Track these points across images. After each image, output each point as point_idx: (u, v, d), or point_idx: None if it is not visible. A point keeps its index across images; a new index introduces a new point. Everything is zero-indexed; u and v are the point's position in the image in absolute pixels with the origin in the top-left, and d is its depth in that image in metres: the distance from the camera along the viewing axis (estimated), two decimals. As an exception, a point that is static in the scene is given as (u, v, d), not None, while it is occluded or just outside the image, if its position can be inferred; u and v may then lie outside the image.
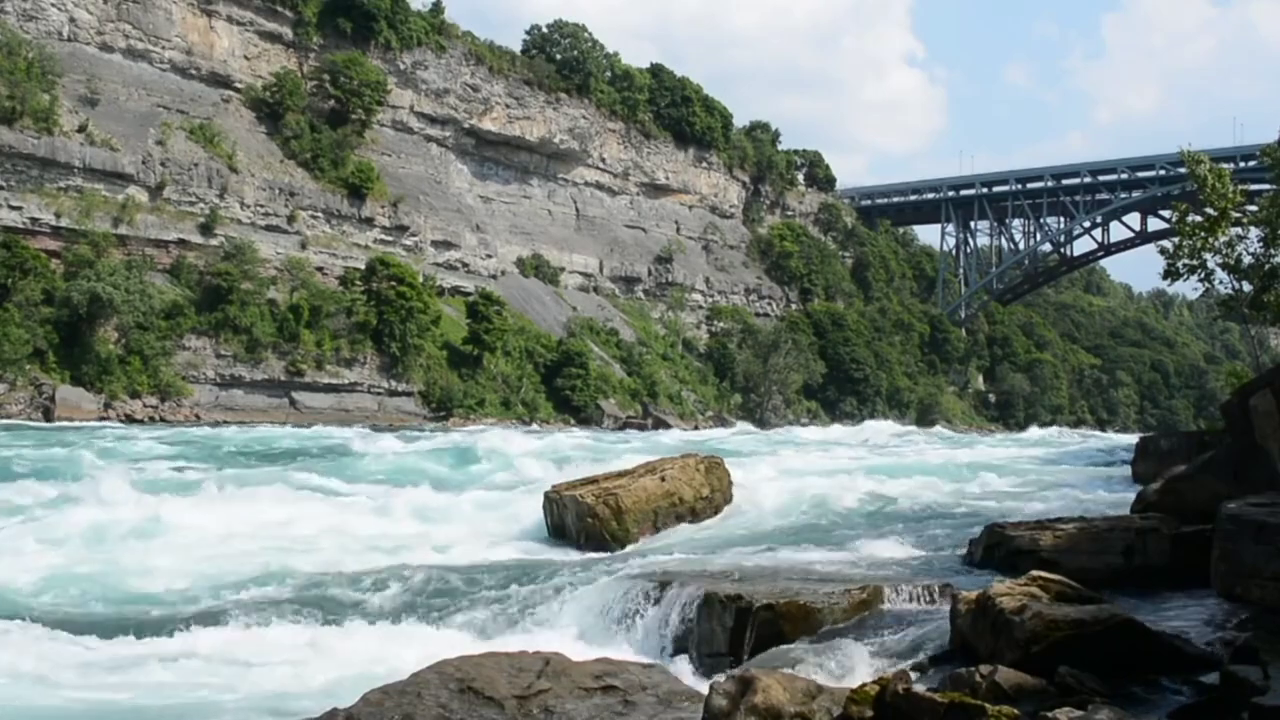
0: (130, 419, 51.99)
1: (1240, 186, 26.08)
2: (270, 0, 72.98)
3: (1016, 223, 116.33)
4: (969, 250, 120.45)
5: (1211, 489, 11.83)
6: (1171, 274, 25.59)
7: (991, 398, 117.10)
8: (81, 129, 58.96)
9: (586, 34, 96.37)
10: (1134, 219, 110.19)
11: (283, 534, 16.27)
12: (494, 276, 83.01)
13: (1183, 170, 53.61)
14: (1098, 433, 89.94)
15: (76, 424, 45.80)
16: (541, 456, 28.58)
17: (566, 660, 9.11)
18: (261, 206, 67.04)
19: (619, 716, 8.11)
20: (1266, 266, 24.24)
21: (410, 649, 9.90)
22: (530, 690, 8.34)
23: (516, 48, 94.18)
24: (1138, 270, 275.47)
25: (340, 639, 10.55)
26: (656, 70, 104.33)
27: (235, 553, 14.60)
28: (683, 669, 9.20)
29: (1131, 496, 15.44)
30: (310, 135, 72.14)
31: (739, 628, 9.56)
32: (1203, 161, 25.37)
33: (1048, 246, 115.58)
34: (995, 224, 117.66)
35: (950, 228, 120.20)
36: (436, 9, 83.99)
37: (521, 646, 9.66)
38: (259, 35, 73.29)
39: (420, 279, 71.36)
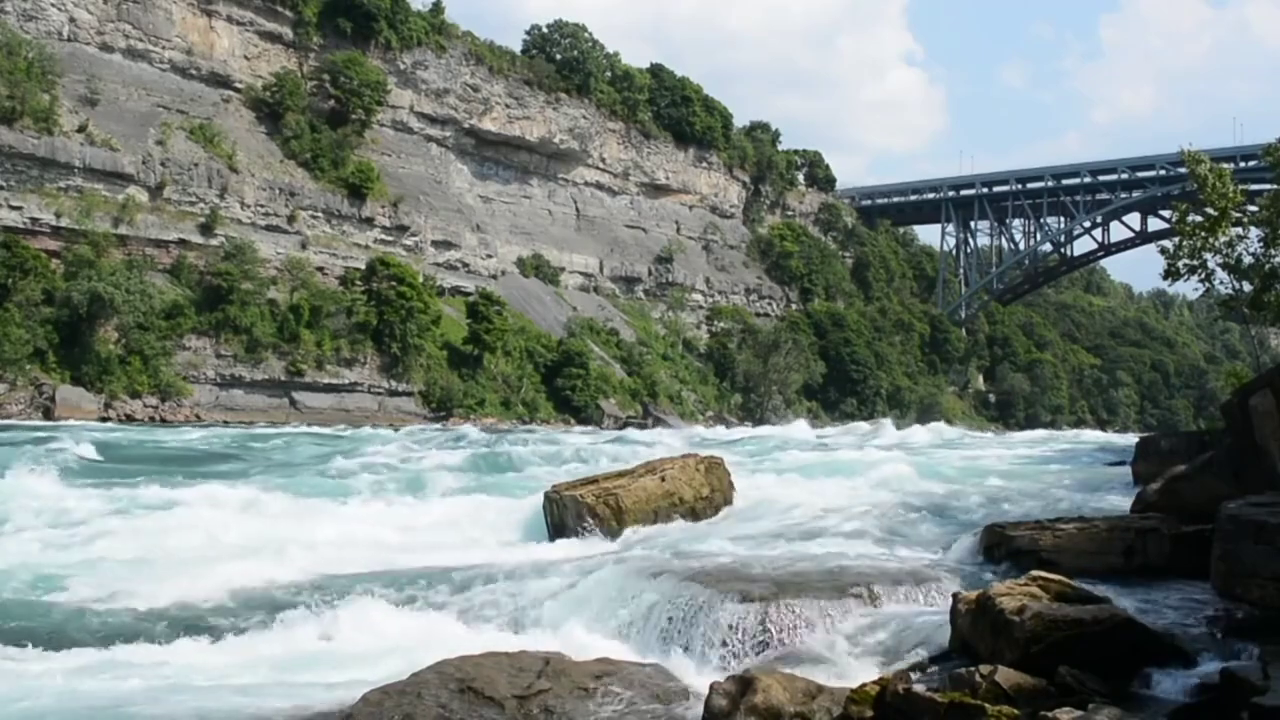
0: (130, 419, 52.00)
1: (1240, 186, 26.04)
2: (270, 0, 73.00)
3: (1016, 223, 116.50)
4: (969, 250, 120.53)
5: (1211, 489, 11.83)
6: (1172, 274, 25.52)
7: (991, 398, 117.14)
8: (81, 129, 58.97)
9: (586, 34, 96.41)
10: (1134, 219, 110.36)
11: (282, 533, 16.27)
12: (494, 276, 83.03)
13: (1183, 170, 53.63)
14: (1098, 432, 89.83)
15: (76, 424, 45.72)
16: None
17: (566, 660, 9.11)
18: (261, 206, 67.05)
19: (619, 716, 8.11)
20: (1267, 266, 24.18)
21: (409, 649, 9.90)
22: (530, 690, 8.34)
23: (515, 48, 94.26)
24: (1138, 270, 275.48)
25: (339, 638, 10.54)
26: (656, 70, 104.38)
27: (231, 554, 14.60)
28: (683, 668, 9.19)
29: (1131, 497, 15.44)
30: (310, 135, 72.16)
31: (739, 627, 9.57)
32: (1203, 161, 25.32)
33: (1048, 246, 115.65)
34: (995, 224, 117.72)
35: (950, 228, 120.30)
36: (436, 9, 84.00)
37: (521, 646, 9.66)
38: (259, 35, 73.30)
39: (420, 279, 71.39)
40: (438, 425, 62.42)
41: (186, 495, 19.15)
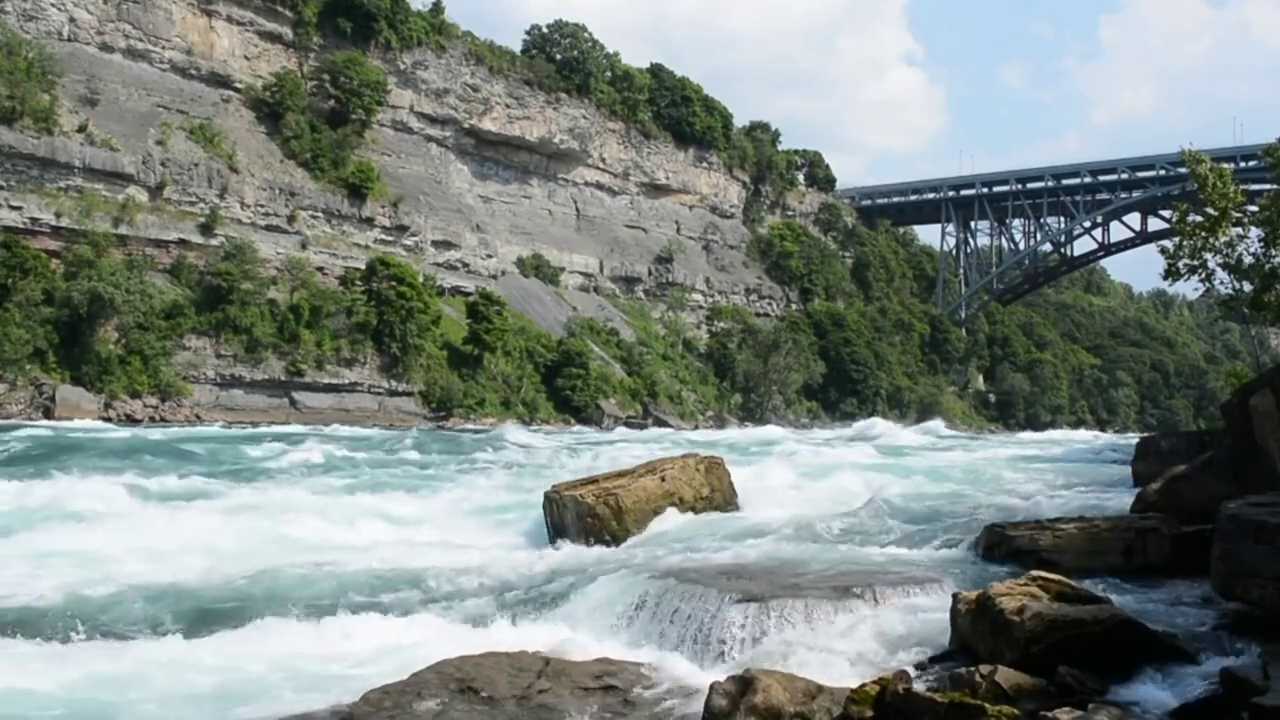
0: (130, 419, 51.99)
1: (1240, 186, 26.03)
2: (270, 0, 72.99)
3: (1016, 223, 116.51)
4: (969, 250, 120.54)
5: (1211, 489, 11.82)
6: (1172, 274, 25.51)
7: (992, 398, 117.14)
8: (81, 129, 58.97)
9: (586, 34, 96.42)
10: (1134, 219, 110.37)
11: (283, 533, 16.27)
12: (494, 276, 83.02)
13: (1183, 170, 53.62)
14: (1098, 433, 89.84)
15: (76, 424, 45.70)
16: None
17: (566, 660, 9.13)
18: (261, 206, 67.05)
19: (619, 716, 8.12)
20: (1267, 266, 24.18)
21: (410, 649, 9.90)
22: (530, 690, 8.35)
23: (515, 48, 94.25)
24: (1138, 270, 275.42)
25: (339, 639, 10.54)
26: (656, 70, 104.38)
27: (241, 552, 14.61)
28: (682, 668, 9.19)
29: (1131, 497, 15.43)
30: (310, 135, 72.15)
31: (739, 627, 9.56)
32: (1203, 161, 25.31)
33: (1048, 246, 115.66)
34: (995, 224, 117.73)
35: (950, 228, 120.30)
36: (436, 9, 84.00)
37: (521, 646, 9.67)
38: (259, 35, 73.29)
39: (420, 279, 71.38)
40: (432, 424, 62.50)
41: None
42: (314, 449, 30.63)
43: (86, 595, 12.01)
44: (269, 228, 67.02)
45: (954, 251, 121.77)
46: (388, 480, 23.94)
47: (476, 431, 54.40)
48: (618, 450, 33.09)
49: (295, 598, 12.20)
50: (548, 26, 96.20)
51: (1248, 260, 24.61)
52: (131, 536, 15.57)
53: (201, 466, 26.23)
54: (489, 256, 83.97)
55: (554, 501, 16.39)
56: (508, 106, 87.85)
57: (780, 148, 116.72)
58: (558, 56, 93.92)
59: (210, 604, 11.94)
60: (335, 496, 20.64)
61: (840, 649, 8.91)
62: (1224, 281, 25.42)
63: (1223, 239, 24.35)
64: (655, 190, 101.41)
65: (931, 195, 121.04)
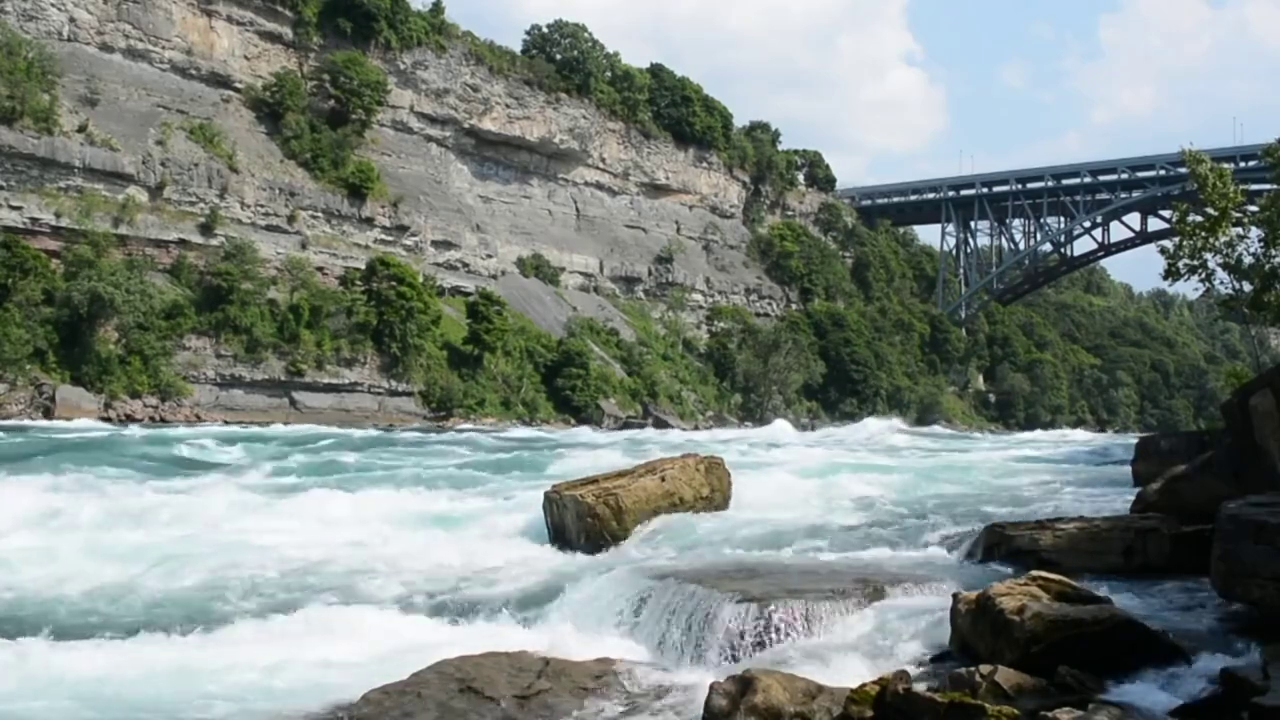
0: (130, 419, 51.98)
1: (1240, 186, 26.05)
2: (270, 0, 72.98)
3: (1016, 223, 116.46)
4: (969, 250, 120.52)
5: (1211, 489, 11.83)
6: (1172, 274, 25.55)
7: (992, 398, 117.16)
8: (81, 129, 58.93)
9: (586, 34, 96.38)
10: (1134, 219, 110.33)
11: (285, 533, 16.26)
12: (494, 276, 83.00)
13: (1183, 170, 53.65)
14: (1094, 434, 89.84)
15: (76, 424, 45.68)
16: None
17: (566, 660, 9.13)
18: (261, 206, 67.01)
19: (619, 716, 8.12)
20: (1267, 266, 24.21)
21: (410, 648, 9.90)
22: (530, 690, 8.36)
23: (515, 48, 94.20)
24: (1138, 270, 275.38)
25: (340, 638, 10.53)
26: (656, 70, 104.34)
27: (236, 555, 14.60)
28: (682, 668, 9.19)
29: (1131, 496, 15.44)
30: (310, 135, 72.11)
31: (739, 627, 9.56)
32: (1204, 161, 25.35)
33: (1048, 246, 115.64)
34: (995, 224, 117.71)
35: (950, 228, 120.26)
36: (436, 9, 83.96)
37: (521, 646, 9.67)
38: (259, 35, 73.26)
39: (420, 279, 71.32)
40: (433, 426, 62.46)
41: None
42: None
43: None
44: (269, 228, 66.98)
45: (954, 251, 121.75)
46: (369, 479, 23.59)
47: (458, 432, 54.40)
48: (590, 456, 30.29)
49: (295, 596, 12.19)
50: (548, 26, 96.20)
51: (1248, 260, 24.65)
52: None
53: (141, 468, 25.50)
54: (489, 256, 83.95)
55: (554, 501, 16.38)
56: (508, 106, 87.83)
57: (780, 148, 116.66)
58: (558, 56, 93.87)
59: (195, 608, 11.92)
60: (313, 499, 20.16)
61: (840, 649, 8.92)
62: (1224, 281, 25.47)
63: (1223, 239, 24.39)
64: (655, 190, 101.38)
65: (931, 195, 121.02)
